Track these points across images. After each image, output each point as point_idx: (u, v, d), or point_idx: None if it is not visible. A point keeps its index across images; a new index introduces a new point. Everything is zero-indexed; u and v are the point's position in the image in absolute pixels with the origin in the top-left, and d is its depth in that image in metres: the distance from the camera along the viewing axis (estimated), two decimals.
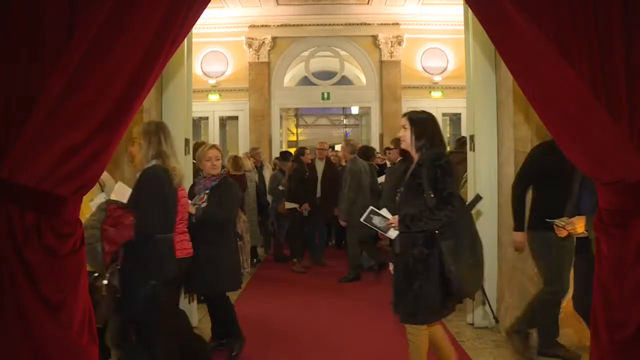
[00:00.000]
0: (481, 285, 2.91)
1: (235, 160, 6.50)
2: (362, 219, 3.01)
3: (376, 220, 3.03)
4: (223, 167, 3.91)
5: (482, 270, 2.83)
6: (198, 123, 12.27)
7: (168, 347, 2.97)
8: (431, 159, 2.83)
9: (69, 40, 2.16)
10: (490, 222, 4.43)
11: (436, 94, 11.66)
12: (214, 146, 3.85)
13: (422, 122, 2.93)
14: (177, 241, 3.18)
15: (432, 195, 2.77)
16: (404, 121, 2.95)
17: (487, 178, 4.45)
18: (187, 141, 4.51)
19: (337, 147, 12.27)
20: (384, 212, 3.02)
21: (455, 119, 12.72)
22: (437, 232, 2.79)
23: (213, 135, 11.71)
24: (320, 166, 7.25)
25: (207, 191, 3.74)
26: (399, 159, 5.41)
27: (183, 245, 3.28)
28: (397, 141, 5.58)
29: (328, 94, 11.70)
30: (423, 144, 2.90)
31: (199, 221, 3.63)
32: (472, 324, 4.60)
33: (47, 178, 2.11)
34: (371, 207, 3.07)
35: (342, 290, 6.11)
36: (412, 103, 11.71)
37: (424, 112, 3.06)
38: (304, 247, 7.18)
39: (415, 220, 2.81)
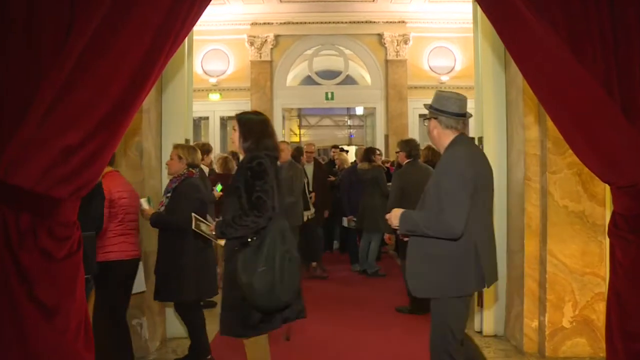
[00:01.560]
0: (286, 298, 2.85)
1: (225, 160, 6.43)
2: (192, 227, 3.11)
3: (203, 227, 3.13)
4: (192, 166, 3.73)
5: (273, 278, 2.76)
6: (198, 123, 12.28)
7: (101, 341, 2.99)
8: (245, 161, 2.87)
9: (66, 38, 2.16)
10: (498, 228, 4.39)
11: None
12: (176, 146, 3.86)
13: (249, 124, 2.98)
14: (115, 243, 3.34)
15: (245, 200, 2.80)
16: (234, 122, 3.03)
17: (495, 181, 4.40)
18: (187, 142, 4.51)
19: (347, 148, 12.19)
20: (209, 218, 3.14)
21: None
22: (250, 239, 2.80)
23: (213, 136, 11.72)
24: (309, 169, 7.21)
25: (169, 194, 3.67)
26: (406, 161, 5.39)
27: (121, 247, 3.39)
28: (403, 143, 5.54)
29: (332, 93, 11.69)
30: (249, 145, 2.94)
31: (152, 226, 3.64)
32: (480, 332, 4.57)
33: (43, 179, 2.11)
34: (193, 214, 3.16)
35: (345, 298, 6.12)
36: (419, 103, 11.68)
37: (256, 112, 3.10)
38: (308, 250, 7.10)
39: (228, 226, 2.83)
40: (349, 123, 20.65)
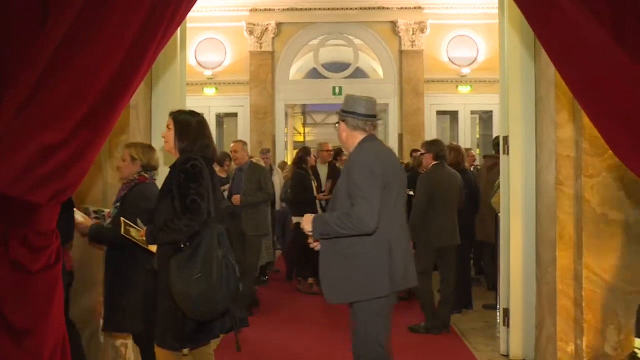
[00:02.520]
0: (227, 306, 2.95)
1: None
2: (122, 232, 3.19)
3: (133, 232, 3.20)
4: (148, 169, 3.61)
5: (210, 285, 2.84)
6: None
7: None
8: (180, 162, 2.97)
9: (40, 28, 2.15)
10: (527, 237, 4.37)
11: (464, 88, 11.60)
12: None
13: (186, 124, 3.09)
14: None
15: (178, 203, 2.90)
16: (169, 120, 3.12)
17: (523, 186, 4.40)
18: None
19: None
20: (139, 222, 3.19)
21: (486, 117, 12.64)
22: (183, 244, 2.90)
23: None
24: (323, 171, 7.19)
25: (118, 204, 3.54)
26: (433, 163, 5.35)
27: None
28: (429, 144, 5.51)
29: (340, 88, 11.68)
30: (185, 146, 3.04)
31: (90, 240, 3.60)
32: (507, 356, 4.53)
33: (18, 183, 2.09)
34: (122, 219, 3.22)
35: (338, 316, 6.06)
36: (437, 99, 11.67)
37: (192, 112, 3.22)
38: (308, 265, 7.08)
39: (159, 230, 2.93)
40: None
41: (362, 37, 11.70)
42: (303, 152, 7.03)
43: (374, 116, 3.11)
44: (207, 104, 11.71)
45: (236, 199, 5.85)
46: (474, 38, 11.48)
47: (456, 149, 6.19)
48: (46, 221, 2.18)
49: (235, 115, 11.96)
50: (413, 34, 11.44)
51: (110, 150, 4.02)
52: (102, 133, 2.36)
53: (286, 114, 12.77)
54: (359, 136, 3.07)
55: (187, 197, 2.86)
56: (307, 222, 2.98)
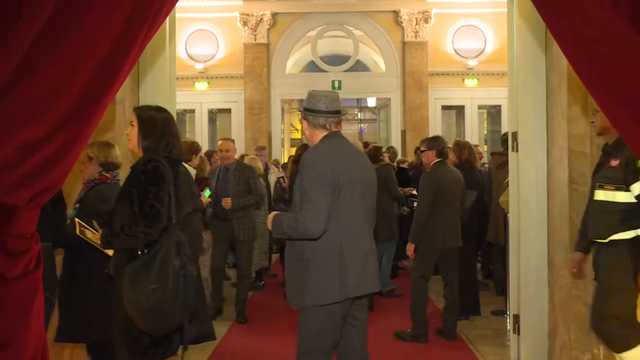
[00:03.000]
0: (183, 318, 2.94)
1: (201, 160, 6.40)
2: (77, 232, 3.21)
3: (89, 234, 3.21)
4: (107, 167, 3.58)
5: (164, 297, 2.83)
6: (182, 117, 12.29)
7: None
8: (140, 163, 2.96)
9: (16, 16, 2.13)
10: (538, 238, 4.36)
11: (471, 81, 11.61)
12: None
13: (151, 120, 3.08)
14: None
15: (137, 207, 2.89)
16: (133, 116, 3.12)
17: (533, 184, 4.39)
18: None
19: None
20: (95, 225, 3.19)
21: (494, 112, 12.64)
22: (140, 252, 2.88)
23: (201, 132, 11.75)
24: None
25: (77, 205, 3.52)
26: (435, 160, 5.36)
27: None
28: (430, 141, 5.53)
29: (339, 82, 11.68)
30: (148, 144, 3.03)
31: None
32: None
33: None
34: (77, 219, 3.23)
35: None
36: (442, 93, 11.67)
37: (158, 108, 3.21)
38: None
39: (115, 236, 2.93)
40: (359, 117, 20.66)
41: (362, 28, 11.69)
42: (302, 150, 6.97)
43: (336, 112, 3.14)
44: (199, 99, 11.70)
45: (227, 202, 5.82)
46: (481, 28, 11.47)
47: (467, 147, 6.16)
48: (25, 224, 2.16)
49: (228, 111, 11.95)
50: (416, 24, 11.43)
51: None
52: (87, 129, 2.34)
53: (282, 110, 12.76)
54: (320, 134, 3.13)
55: (146, 201, 2.84)
56: (269, 220, 3.07)
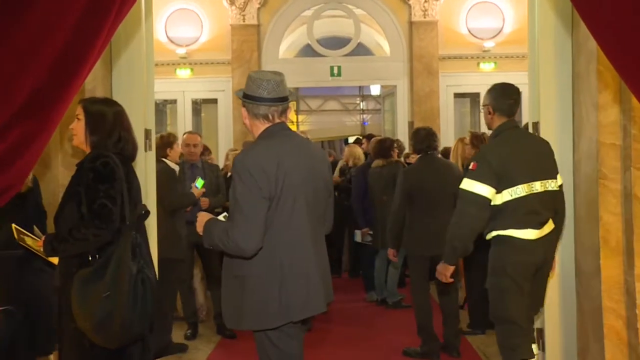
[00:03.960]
0: (145, 328, 2.98)
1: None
2: (16, 238, 3.25)
3: (29, 240, 3.26)
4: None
5: (121, 305, 2.83)
6: (162, 108, 12.25)
7: None
8: (88, 159, 2.98)
9: None
10: (564, 242, 4.35)
11: (487, 65, 11.57)
12: None
13: (99, 114, 3.11)
14: None
15: (85, 208, 2.90)
16: (78, 109, 3.11)
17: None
18: (147, 133, 4.48)
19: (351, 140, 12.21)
20: (36, 230, 3.24)
21: None
22: (91, 257, 2.92)
23: (184, 124, 11.68)
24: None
25: None
26: (417, 157, 5.40)
27: None
28: (413, 134, 5.58)
29: (339, 68, 11.65)
30: (98, 141, 3.06)
31: None
32: None
33: None
34: (14, 225, 3.27)
35: (346, 336, 6.14)
36: (454, 79, 11.63)
37: (107, 101, 3.28)
38: None
39: (62, 240, 2.93)
40: (361, 107, 20.65)
41: (364, 7, 11.65)
42: None
43: (281, 99, 3.02)
44: (181, 87, 11.66)
45: (205, 202, 5.85)
46: (498, 5, 11.44)
47: (485, 139, 6.14)
48: None
49: (214, 101, 11.90)
50: (425, 2, 11.40)
51: (61, 143, 3.99)
52: (49, 122, 2.34)
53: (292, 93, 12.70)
54: (261, 126, 3.03)
55: (96, 200, 2.86)
56: (199, 223, 3.02)
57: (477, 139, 6.09)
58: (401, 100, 11.71)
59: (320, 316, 6.69)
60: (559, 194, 4.01)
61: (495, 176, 3.76)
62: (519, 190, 3.78)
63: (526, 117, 8.00)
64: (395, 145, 7.26)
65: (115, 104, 3.27)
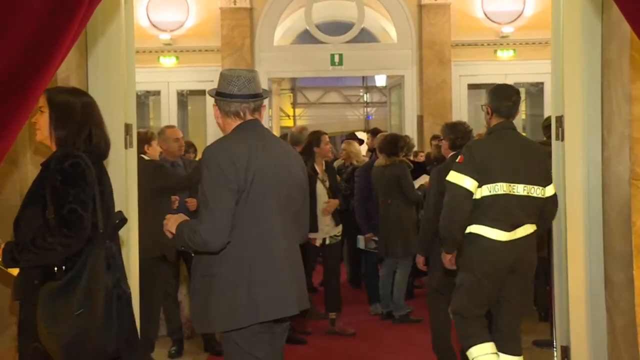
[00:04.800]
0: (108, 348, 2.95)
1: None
2: None
3: None
4: None
5: (93, 323, 2.83)
6: (144, 100, 12.25)
7: None
8: (55, 159, 2.94)
9: None
10: (591, 250, 4.33)
11: (505, 53, 11.59)
12: None
13: (66, 106, 3.07)
14: None
15: (52, 214, 2.88)
16: (42, 100, 3.06)
17: (584, 181, 4.37)
18: (128, 128, 4.45)
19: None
20: None
21: (534, 91, 12.63)
22: (57, 268, 2.87)
23: (168, 118, 11.69)
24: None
25: None
26: (451, 153, 5.36)
27: None
28: (445, 128, 5.54)
29: (340, 56, 11.65)
30: (65, 136, 3.02)
31: None
32: None
33: None
34: None
35: (349, 353, 6.13)
36: (468, 68, 11.65)
37: (76, 91, 3.26)
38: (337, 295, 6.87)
39: (24, 249, 2.88)
40: (365, 99, 20.66)
41: None
42: (313, 139, 6.60)
43: (253, 96, 3.20)
44: (165, 77, 11.67)
45: (192, 202, 5.87)
46: None
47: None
48: None
49: (202, 92, 11.85)
50: None
51: (30, 139, 3.97)
52: (17, 116, 2.32)
53: (270, 91, 12.70)
54: (233, 124, 3.21)
55: (65, 205, 2.82)
56: (171, 223, 3.15)
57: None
58: (409, 92, 11.73)
59: (319, 331, 6.77)
60: (547, 204, 4.33)
61: (478, 170, 4.16)
62: (498, 188, 4.15)
63: (549, 110, 7.99)
64: (402, 142, 7.22)
65: (84, 94, 3.23)
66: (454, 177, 4.20)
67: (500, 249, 4.16)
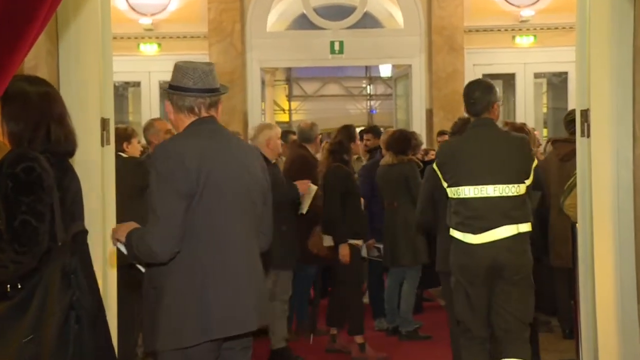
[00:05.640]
0: None
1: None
2: None
3: None
4: None
5: (47, 350, 2.77)
6: (123, 91, 12.24)
7: None
8: (7, 162, 2.85)
9: None
10: (622, 258, 4.33)
11: (524, 39, 11.59)
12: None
13: (21, 96, 2.97)
14: None
15: (3, 225, 2.82)
16: None
17: (612, 181, 4.36)
18: (104, 123, 4.44)
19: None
20: None
21: (557, 82, 12.64)
22: (11, 286, 2.81)
23: (149, 111, 11.69)
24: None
25: None
26: None
27: None
28: (455, 125, 5.63)
29: (340, 43, 11.65)
30: (20, 133, 2.93)
31: None
32: None
33: None
34: None
35: None
36: (483, 56, 11.64)
37: (33, 79, 3.17)
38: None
39: None
40: (368, 91, 20.67)
41: None
42: (344, 134, 6.74)
43: (209, 90, 3.25)
44: (146, 67, 11.67)
45: None
46: None
47: (522, 130, 6.10)
48: None
49: None
50: None
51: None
52: None
53: (263, 82, 12.74)
54: (186, 120, 3.23)
55: (16, 217, 2.74)
56: (122, 231, 3.14)
57: (515, 130, 6.05)
58: (417, 84, 11.74)
59: (318, 348, 6.75)
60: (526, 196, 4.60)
61: (443, 170, 4.59)
62: (461, 191, 4.47)
63: (573, 103, 7.99)
64: (413, 140, 7.21)
65: (43, 83, 3.13)
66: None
67: (472, 252, 4.43)
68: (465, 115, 5.72)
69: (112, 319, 4.04)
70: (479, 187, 4.39)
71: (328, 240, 6.45)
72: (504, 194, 4.41)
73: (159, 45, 11.63)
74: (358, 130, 8.20)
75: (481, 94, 4.67)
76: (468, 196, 4.42)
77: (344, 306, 6.67)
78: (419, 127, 11.17)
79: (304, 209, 6.20)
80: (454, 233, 4.51)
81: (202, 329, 3.01)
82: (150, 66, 11.64)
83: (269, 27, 11.97)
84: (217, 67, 11.93)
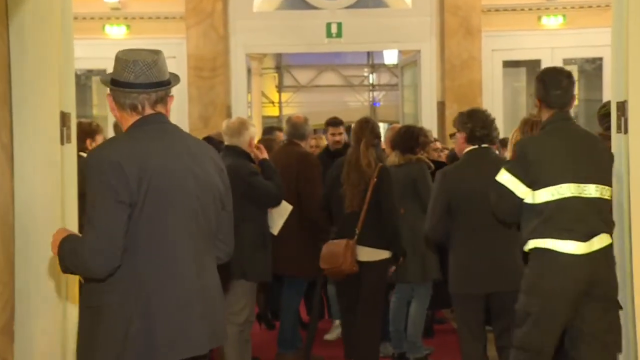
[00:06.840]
0: None
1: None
2: None
3: None
4: None
5: None
6: (86, 81, 12.22)
7: None
8: None
9: None
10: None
11: (552, 20, 11.59)
12: None
13: None
14: None
15: None
16: None
17: None
18: (64, 118, 4.46)
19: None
20: None
21: (590, 69, 12.65)
22: None
23: None
24: None
25: None
26: (468, 149, 5.37)
27: None
28: (466, 115, 5.59)
29: (338, 26, 11.66)
30: None
31: None
32: None
33: None
34: None
35: None
36: (504, 40, 11.64)
37: None
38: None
39: None
40: (371, 81, 20.67)
41: None
42: (367, 125, 6.56)
43: (154, 85, 3.24)
44: (112, 52, 11.40)
45: None
46: None
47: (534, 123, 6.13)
48: None
49: None
50: None
51: None
52: None
53: (249, 71, 12.73)
54: (130, 119, 3.24)
55: None
56: (54, 241, 3.16)
57: (533, 125, 6.07)
58: (427, 72, 11.74)
59: None
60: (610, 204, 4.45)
61: (532, 172, 4.35)
62: (564, 190, 4.28)
63: (608, 94, 7.99)
64: (422, 137, 7.22)
65: None
66: (507, 180, 4.41)
67: (574, 265, 4.25)
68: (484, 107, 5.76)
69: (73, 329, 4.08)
70: (582, 185, 4.30)
71: (368, 255, 6.32)
72: (602, 196, 4.34)
73: (128, 27, 11.60)
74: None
75: (568, 83, 4.62)
76: (567, 196, 4.28)
77: (374, 335, 6.62)
78: (429, 122, 11.16)
79: (276, 230, 6.21)
80: (551, 243, 4.28)
81: (147, 353, 3.04)
82: (117, 51, 11.61)
83: (256, 6, 11.95)
84: (195, 53, 12.10)
